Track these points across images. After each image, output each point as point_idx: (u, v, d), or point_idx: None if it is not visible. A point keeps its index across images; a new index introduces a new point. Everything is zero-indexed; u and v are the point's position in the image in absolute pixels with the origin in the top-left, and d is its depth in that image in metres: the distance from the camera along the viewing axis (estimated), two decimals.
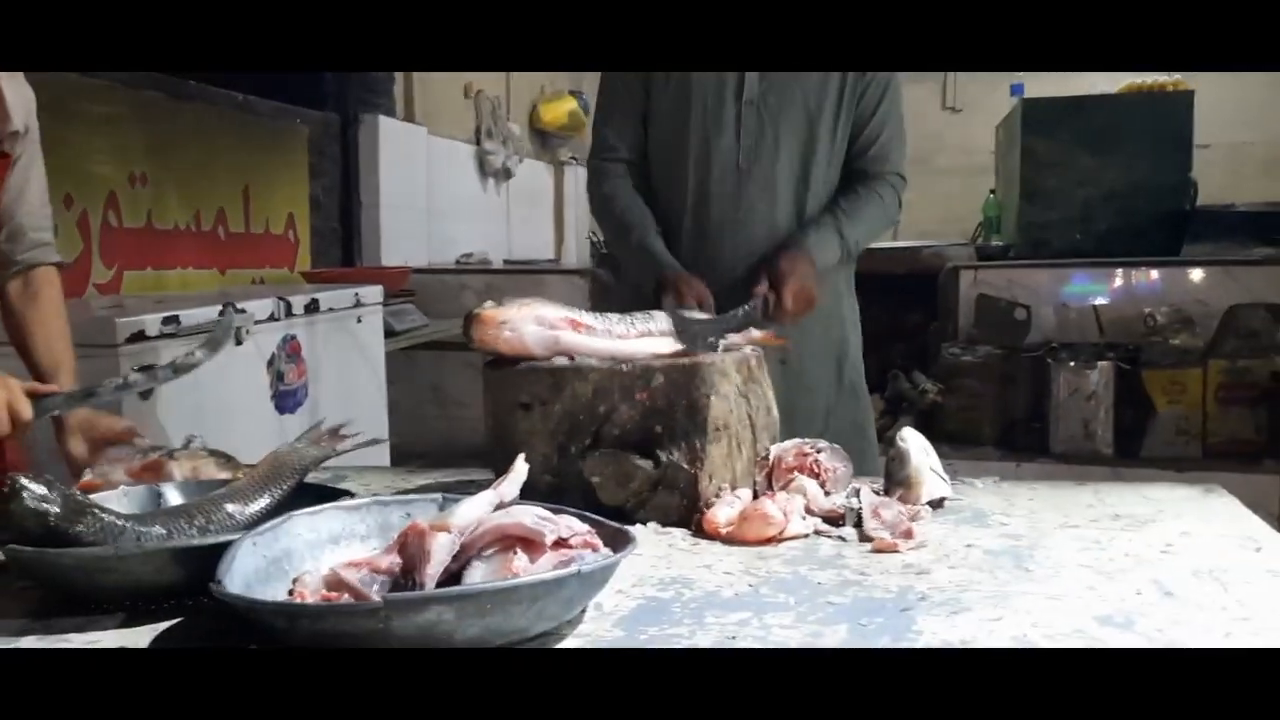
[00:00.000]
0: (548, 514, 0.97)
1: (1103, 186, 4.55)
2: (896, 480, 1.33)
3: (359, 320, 3.24)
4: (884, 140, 1.86)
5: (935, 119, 8.13)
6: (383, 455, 3.30)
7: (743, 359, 1.35)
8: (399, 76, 4.88)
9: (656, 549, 1.19)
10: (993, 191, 5.61)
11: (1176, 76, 5.31)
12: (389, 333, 3.57)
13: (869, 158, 1.86)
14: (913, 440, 1.36)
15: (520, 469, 1.04)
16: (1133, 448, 3.74)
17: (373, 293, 3.31)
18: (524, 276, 5.00)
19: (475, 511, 0.96)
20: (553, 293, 4.32)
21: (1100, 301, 4.21)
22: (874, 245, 5.07)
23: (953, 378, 3.98)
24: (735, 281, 1.77)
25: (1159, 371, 3.71)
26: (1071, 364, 3.76)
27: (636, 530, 1.22)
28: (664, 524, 1.27)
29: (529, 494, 1.11)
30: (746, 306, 1.58)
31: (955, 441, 3.90)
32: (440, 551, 0.92)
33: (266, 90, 4.01)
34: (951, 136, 7.84)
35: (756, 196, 1.82)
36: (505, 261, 5.69)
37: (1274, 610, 0.94)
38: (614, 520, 1.04)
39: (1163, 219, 4.51)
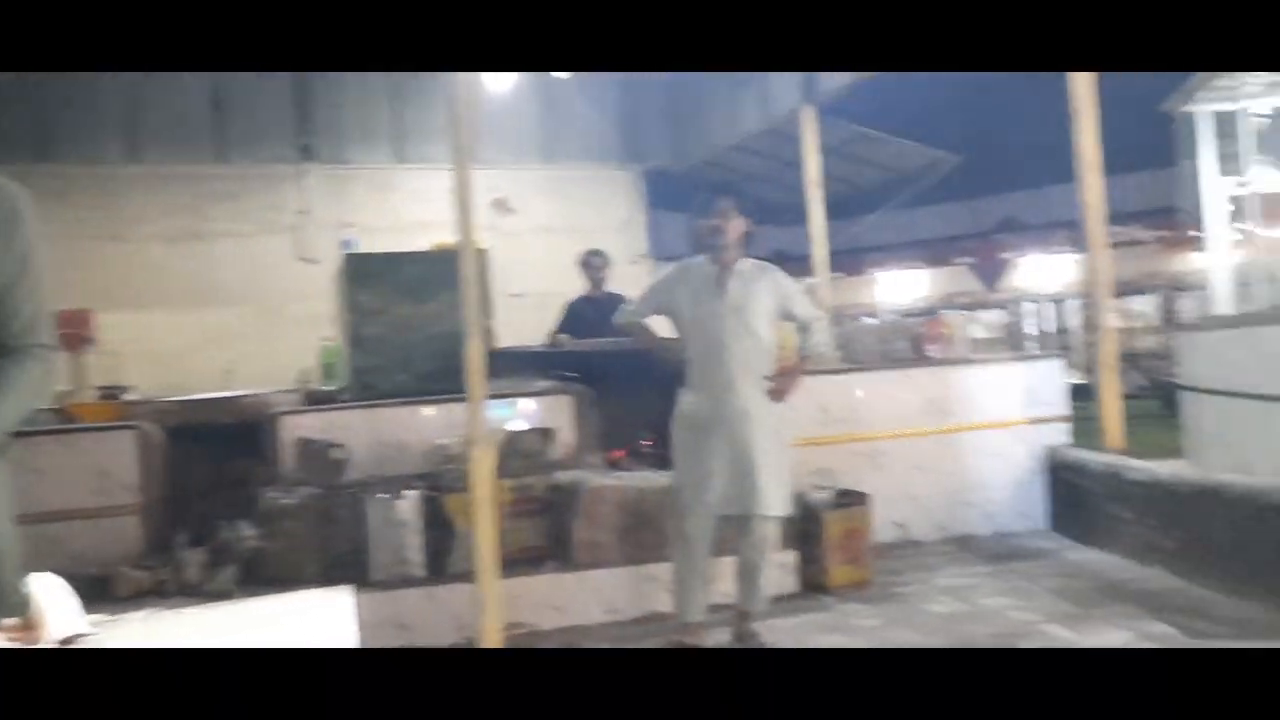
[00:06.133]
0: None
1: (422, 332, 5.05)
2: None
3: None
4: (26, 313, 1.72)
5: (289, 270, 8.34)
6: None
7: None
8: None
9: None
10: (329, 339, 5.89)
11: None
12: None
13: (11, 332, 1.71)
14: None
15: None
16: (442, 566, 4.10)
17: None
18: None
19: None
20: None
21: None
22: (197, 395, 5.01)
23: (274, 521, 4.04)
24: None
25: (458, 496, 4.14)
26: (381, 496, 4.04)
27: None
28: None
29: None
30: None
31: (280, 583, 3.92)
32: None
33: None
34: (305, 287, 8.08)
35: None
36: None
37: None
38: None
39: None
